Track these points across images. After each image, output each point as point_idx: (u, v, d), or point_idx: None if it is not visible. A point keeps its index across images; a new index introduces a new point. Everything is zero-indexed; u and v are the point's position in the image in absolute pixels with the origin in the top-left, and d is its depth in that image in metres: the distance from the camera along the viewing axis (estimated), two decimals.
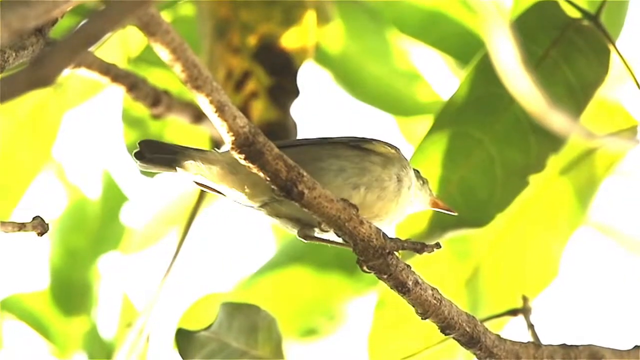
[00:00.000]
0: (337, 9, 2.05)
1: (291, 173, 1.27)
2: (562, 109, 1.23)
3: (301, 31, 1.85)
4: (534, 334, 1.54)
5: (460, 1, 2.03)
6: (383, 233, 1.33)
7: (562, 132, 1.48)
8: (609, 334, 2.45)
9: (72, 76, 2.00)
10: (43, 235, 1.37)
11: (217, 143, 2.00)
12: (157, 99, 1.92)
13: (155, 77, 1.96)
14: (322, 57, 2.07)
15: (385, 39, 2.08)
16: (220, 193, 1.41)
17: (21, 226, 1.36)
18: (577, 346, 1.47)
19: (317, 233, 1.40)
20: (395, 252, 1.33)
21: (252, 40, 1.86)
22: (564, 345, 1.47)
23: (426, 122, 1.95)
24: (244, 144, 1.23)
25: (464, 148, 1.68)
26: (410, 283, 1.34)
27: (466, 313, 1.39)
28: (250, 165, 1.26)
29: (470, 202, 1.68)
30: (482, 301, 1.81)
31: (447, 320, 1.37)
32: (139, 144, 1.38)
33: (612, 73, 1.68)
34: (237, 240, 2.58)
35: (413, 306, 1.37)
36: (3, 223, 1.35)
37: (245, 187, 1.38)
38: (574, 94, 1.67)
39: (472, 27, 2.02)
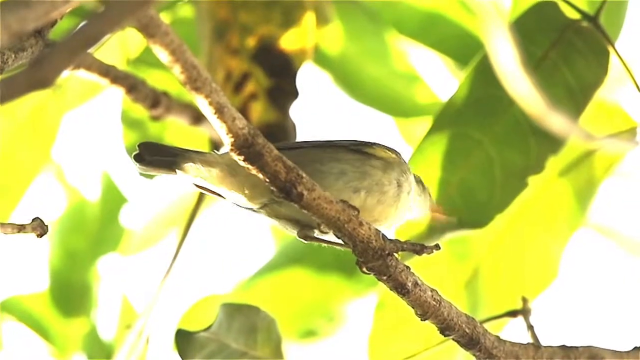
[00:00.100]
0: (336, 10, 2.05)
1: (290, 174, 1.27)
2: (562, 111, 1.23)
3: (300, 32, 1.85)
4: (534, 335, 1.54)
5: (459, 2, 2.03)
6: (382, 234, 1.33)
7: (562, 134, 1.48)
8: (609, 335, 2.45)
9: (71, 78, 2.00)
10: (42, 237, 1.37)
11: (216, 144, 2.00)
12: (156, 100, 1.92)
13: (155, 79, 1.96)
14: (321, 59, 2.07)
15: (384, 40, 2.08)
16: (220, 195, 1.41)
17: (21, 228, 1.36)
18: (576, 347, 1.47)
19: (317, 234, 1.40)
20: (394, 254, 1.33)
21: (251, 42, 1.86)
22: (563, 347, 1.47)
23: (425, 123, 1.95)
24: (243, 146, 1.23)
25: (463, 149, 1.68)
26: (409, 284, 1.34)
27: (466, 314, 1.39)
28: (250, 166, 1.26)
29: (469, 204, 1.68)
30: (482, 302, 1.81)
31: (447, 322, 1.37)
32: (138, 146, 1.38)
33: (611, 74, 1.68)
34: (236, 241, 2.58)
35: (412, 307, 1.37)
36: (2, 224, 1.35)
37: (245, 188, 1.38)
38: (573, 95, 1.67)
39: (471, 29, 2.02)
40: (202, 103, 1.19)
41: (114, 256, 2.35)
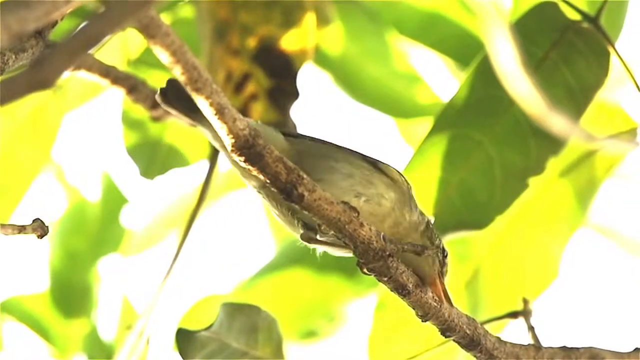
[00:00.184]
0: (337, 10, 2.05)
1: (291, 175, 1.27)
2: (562, 111, 1.23)
3: (301, 33, 1.85)
4: (535, 336, 1.54)
5: (460, 3, 2.03)
6: (383, 235, 1.33)
7: (562, 135, 1.47)
8: (610, 336, 2.45)
9: (71, 78, 2.00)
10: (43, 238, 1.37)
11: None
12: (156, 101, 1.92)
13: (155, 79, 1.96)
14: (322, 59, 2.07)
15: (384, 40, 2.08)
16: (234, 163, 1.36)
17: (21, 229, 1.36)
18: (577, 348, 1.47)
19: (319, 236, 1.39)
20: (395, 255, 1.33)
21: (251, 42, 1.86)
22: (564, 348, 1.47)
23: (426, 123, 1.95)
24: (243, 147, 1.23)
25: (464, 150, 1.68)
26: (410, 285, 1.34)
27: (466, 315, 1.39)
28: (250, 167, 1.25)
29: (469, 204, 1.68)
30: (483, 303, 1.81)
31: (448, 323, 1.37)
32: (167, 82, 1.34)
33: (611, 75, 1.68)
34: (237, 242, 2.58)
35: (413, 308, 1.37)
36: (3, 225, 1.35)
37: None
38: (574, 96, 1.67)
39: (471, 29, 2.02)
40: (202, 104, 1.19)
41: (115, 257, 2.35)
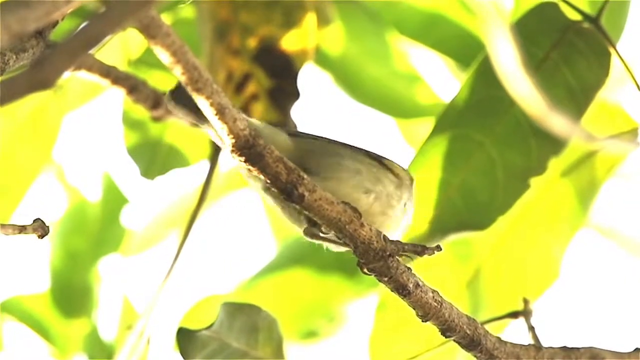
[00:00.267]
0: (337, 11, 2.05)
1: (291, 175, 1.27)
2: (563, 112, 1.23)
3: (301, 33, 1.85)
4: (535, 337, 1.53)
5: (460, 3, 2.03)
6: (384, 235, 1.33)
7: (563, 135, 1.48)
8: (610, 336, 2.45)
9: (72, 79, 2.00)
10: (43, 238, 1.37)
11: (217, 145, 2.00)
12: (157, 101, 1.92)
13: (156, 80, 1.96)
14: (323, 59, 2.07)
15: (385, 41, 2.08)
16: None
17: (21, 229, 1.36)
18: (578, 348, 1.47)
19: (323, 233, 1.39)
20: (395, 255, 1.33)
21: (252, 43, 1.86)
22: (564, 348, 1.47)
23: (427, 124, 1.95)
24: (244, 147, 1.23)
25: (465, 151, 1.68)
26: (410, 286, 1.34)
27: (467, 315, 1.39)
28: (251, 167, 1.26)
29: (471, 205, 1.68)
30: (483, 304, 1.80)
31: (448, 323, 1.37)
32: (178, 83, 1.32)
33: (612, 75, 1.68)
34: (237, 242, 2.58)
35: (414, 309, 1.37)
36: (3, 225, 1.35)
37: None
38: (575, 96, 1.67)
39: (472, 29, 2.02)
40: (203, 104, 1.19)
41: (115, 257, 2.35)
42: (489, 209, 1.68)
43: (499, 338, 1.42)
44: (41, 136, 2.00)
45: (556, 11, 1.68)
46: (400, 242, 1.34)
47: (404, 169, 1.41)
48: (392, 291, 1.35)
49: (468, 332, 1.38)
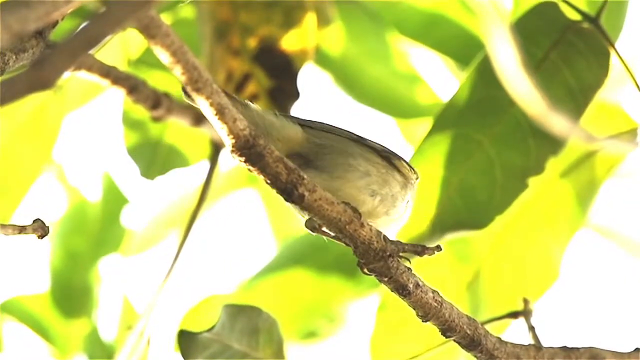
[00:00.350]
0: (337, 11, 2.05)
1: (291, 175, 1.27)
2: (562, 112, 1.23)
3: (301, 33, 1.85)
4: (535, 337, 1.54)
5: (460, 3, 2.03)
6: (384, 236, 1.33)
7: (562, 135, 1.47)
8: (610, 336, 2.45)
9: (72, 79, 2.00)
10: (43, 238, 1.37)
11: (217, 145, 2.00)
12: (157, 101, 1.92)
13: (156, 80, 1.96)
14: (322, 59, 2.07)
15: (385, 41, 2.08)
16: None
17: (22, 229, 1.36)
18: (577, 348, 1.47)
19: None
20: (395, 255, 1.33)
21: (252, 43, 1.86)
22: (564, 348, 1.47)
23: (426, 124, 1.95)
24: (244, 147, 1.23)
25: (464, 150, 1.68)
26: (411, 286, 1.34)
27: (467, 316, 1.39)
28: (251, 167, 1.26)
29: (469, 204, 1.68)
30: (483, 304, 1.81)
31: (448, 323, 1.37)
32: None
33: (612, 75, 1.68)
34: (237, 242, 2.58)
35: (414, 309, 1.37)
36: (3, 226, 1.35)
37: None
38: (574, 96, 1.67)
39: (472, 29, 2.02)
40: (203, 104, 1.19)
41: (115, 257, 2.35)
42: (488, 208, 1.68)
43: (499, 338, 1.42)
44: (41, 136, 2.00)
45: (556, 11, 1.68)
46: (401, 242, 1.34)
47: (410, 167, 1.41)
48: (392, 291, 1.35)
49: (468, 332, 1.38)
